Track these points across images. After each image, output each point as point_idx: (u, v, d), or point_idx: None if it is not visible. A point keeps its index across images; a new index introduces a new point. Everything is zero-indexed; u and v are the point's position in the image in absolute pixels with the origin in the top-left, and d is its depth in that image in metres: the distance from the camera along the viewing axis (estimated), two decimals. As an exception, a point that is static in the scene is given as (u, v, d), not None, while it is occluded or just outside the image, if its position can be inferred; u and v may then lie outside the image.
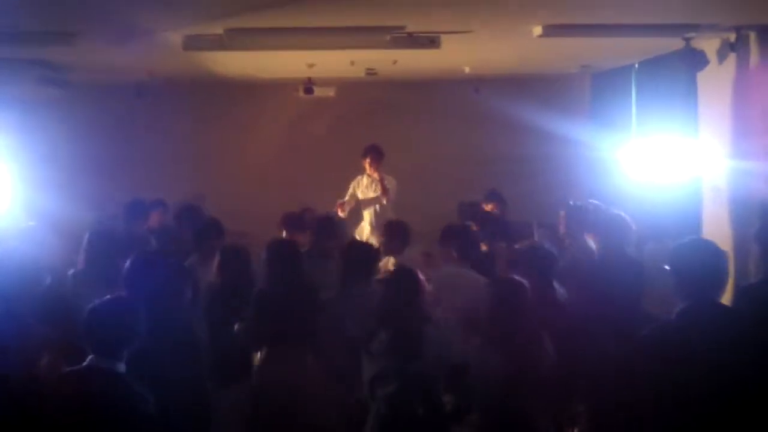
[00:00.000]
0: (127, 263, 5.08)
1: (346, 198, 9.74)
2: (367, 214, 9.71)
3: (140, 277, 4.94)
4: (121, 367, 4.02)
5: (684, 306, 3.70)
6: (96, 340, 4.03)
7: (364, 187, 9.69)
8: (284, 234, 7.43)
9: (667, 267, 4.08)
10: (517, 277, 5.02)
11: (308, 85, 10.94)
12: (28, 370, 4.04)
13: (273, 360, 5.59)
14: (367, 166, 9.59)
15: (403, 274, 5.26)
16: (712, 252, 3.87)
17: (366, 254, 6.15)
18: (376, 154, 9.53)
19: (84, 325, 4.06)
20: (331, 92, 11.26)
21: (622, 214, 6.71)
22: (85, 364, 4.00)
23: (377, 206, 9.62)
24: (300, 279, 5.82)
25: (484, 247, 8.00)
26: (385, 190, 9.47)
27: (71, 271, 6.33)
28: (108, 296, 4.20)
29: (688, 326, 3.67)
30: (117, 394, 3.90)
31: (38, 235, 7.04)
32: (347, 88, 11.47)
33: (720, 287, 3.77)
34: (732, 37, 7.87)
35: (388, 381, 4.84)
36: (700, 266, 3.74)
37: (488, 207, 9.55)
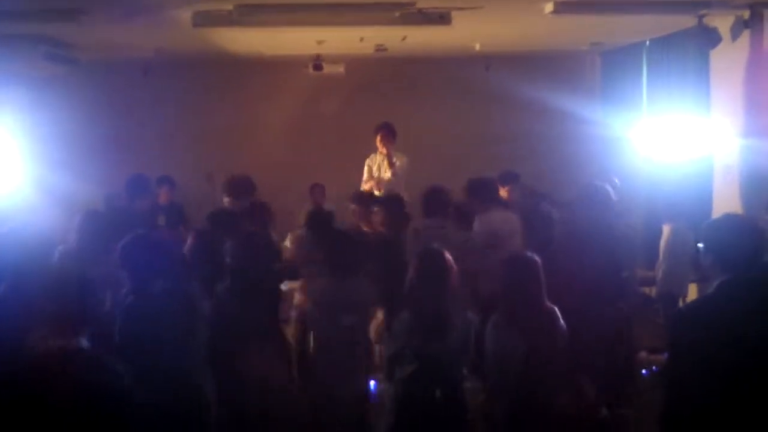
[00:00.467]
0: (121, 242, 4.92)
1: (364, 178, 9.61)
2: (376, 191, 9.65)
3: (132, 256, 4.80)
4: (84, 343, 3.63)
5: (722, 280, 3.67)
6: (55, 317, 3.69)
7: (378, 164, 9.56)
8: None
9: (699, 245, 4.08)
10: (529, 253, 4.94)
11: (317, 61, 10.89)
12: (20, 345, 3.90)
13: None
14: (378, 143, 9.51)
15: (431, 254, 5.04)
16: (748, 227, 3.84)
17: (354, 246, 6.02)
18: (387, 131, 9.41)
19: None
20: (340, 69, 11.19)
21: (607, 185, 6.67)
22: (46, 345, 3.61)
23: (385, 182, 9.55)
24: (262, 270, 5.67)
25: None
26: (392, 166, 9.39)
27: (60, 247, 6.16)
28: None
29: (725, 299, 3.65)
30: (81, 371, 3.53)
31: (46, 212, 7.05)
32: (357, 64, 11.41)
33: (756, 262, 3.74)
34: (746, 14, 7.80)
35: (406, 361, 4.73)
36: (736, 242, 3.71)
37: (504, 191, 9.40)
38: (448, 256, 4.93)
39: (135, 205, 8.23)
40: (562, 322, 4.77)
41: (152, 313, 4.59)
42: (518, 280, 4.77)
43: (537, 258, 4.85)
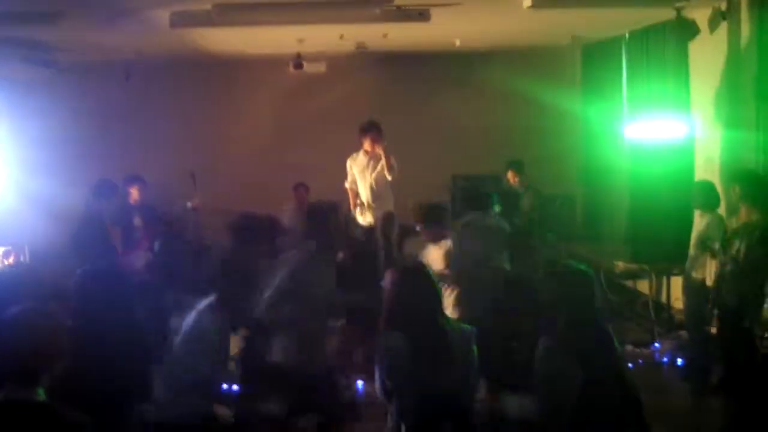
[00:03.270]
0: (77, 275, 4.49)
1: (348, 180, 9.26)
2: (363, 191, 9.38)
3: (87, 291, 4.39)
4: (40, 396, 3.31)
5: None
6: (10, 364, 3.30)
7: (362, 164, 9.14)
8: None
9: None
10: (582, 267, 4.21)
11: (298, 60, 10.85)
12: None
13: None
14: (368, 144, 9.02)
15: (414, 270, 4.58)
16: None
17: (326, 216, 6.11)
18: (377, 131, 8.96)
19: None
20: (322, 67, 11.16)
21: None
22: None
23: (373, 183, 9.26)
24: None
25: None
26: (390, 168, 8.91)
27: None
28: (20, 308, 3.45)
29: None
30: (38, 426, 3.26)
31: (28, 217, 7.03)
32: (339, 63, 11.41)
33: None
34: (723, 5, 7.84)
35: (409, 393, 4.19)
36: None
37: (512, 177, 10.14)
38: (430, 271, 4.56)
39: (103, 208, 8.19)
40: (617, 344, 4.18)
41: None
42: (570, 296, 4.07)
43: (588, 270, 4.19)
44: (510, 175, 10.14)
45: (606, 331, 4.08)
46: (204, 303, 5.23)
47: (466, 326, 4.42)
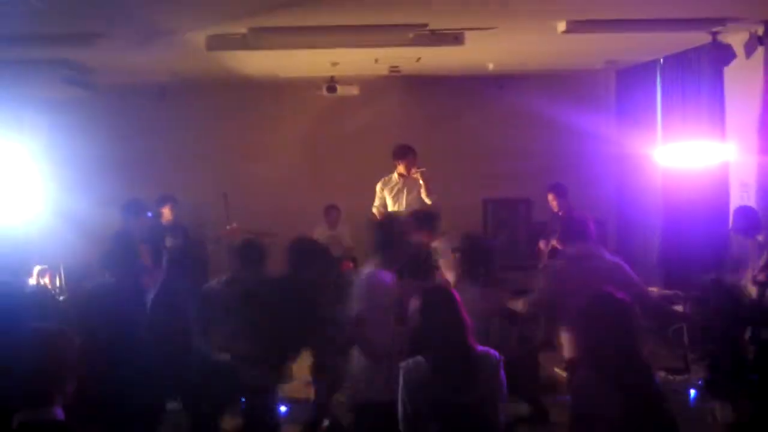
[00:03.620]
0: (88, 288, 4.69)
1: (376, 203, 9.24)
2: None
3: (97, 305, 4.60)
4: (60, 414, 3.29)
5: None
6: (26, 386, 3.28)
7: (396, 187, 9.13)
8: None
9: None
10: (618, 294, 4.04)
11: (331, 83, 10.92)
12: None
13: None
14: (403, 168, 9.02)
15: (438, 291, 4.49)
16: None
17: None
18: (414, 155, 9.00)
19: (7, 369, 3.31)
20: (354, 90, 11.22)
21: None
22: (17, 420, 3.25)
23: (407, 206, 9.15)
24: None
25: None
26: (429, 192, 8.90)
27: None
28: (32, 327, 3.47)
29: None
30: None
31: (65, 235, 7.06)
32: (371, 86, 11.46)
33: None
34: (760, 30, 7.78)
35: (426, 421, 4.06)
36: None
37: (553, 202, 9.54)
38: (455, 293, 4.36)
39: (132, 227, 8.33)
40: (657, 378, 4.06)
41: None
42: (609, 326, 3.90)
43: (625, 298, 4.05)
44: (550, 197, 9.59)
45: (645, 362, 3.96)
46: None
47: (493, 353, 4.22)
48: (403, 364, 4.16)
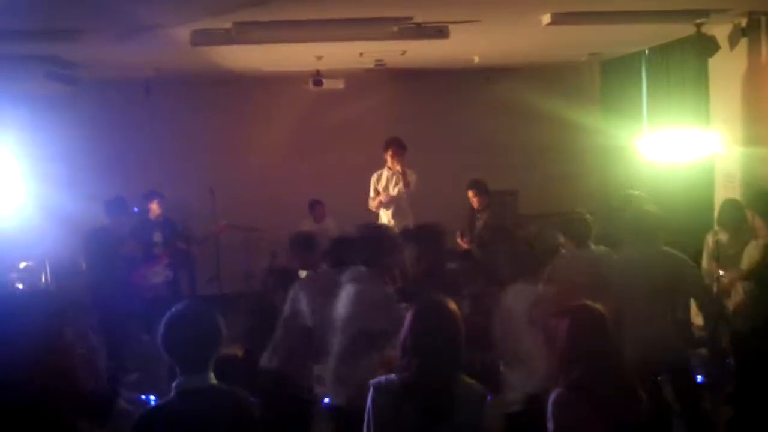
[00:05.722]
0: None
1: (371, 195, 9.44)
2: (384, 212, 9.45)
3: None
4: (212, 378, 3.44)
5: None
6: (182, 354, 3.42)
7: (386, 182, 9.36)
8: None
9: None
10: (596, 305, 3.80)
11: (317, 77, 10.91)
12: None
13: None
14: (389, 159, 9.25)
15: (434, 307, 3.74)
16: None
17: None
18: (398, 147, 9.17)
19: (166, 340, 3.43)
20: (340, 84, 11.21)
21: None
22: (175, 389, 3.39)
23: (393, 198, 9.34)
24: None
25: None
26: (407, 184, 9.14)
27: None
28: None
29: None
30: (235, 413, 3.41)
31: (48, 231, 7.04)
32: (356, 79, 11.44)
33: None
34: (743, 21, 7.81)
35: None
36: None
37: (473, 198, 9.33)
38: (453, 307, 3.73)
39: (114, 224, 8.36)
40: (643, 395, 3.76)
41: None
42: (587, 340, 3.69)
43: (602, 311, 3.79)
44: (470, 194, 9.30)
45: (628, 377, 3.72)
46: None
47: (477, 388, 3.70)
48: (374, 381, 3.70)
